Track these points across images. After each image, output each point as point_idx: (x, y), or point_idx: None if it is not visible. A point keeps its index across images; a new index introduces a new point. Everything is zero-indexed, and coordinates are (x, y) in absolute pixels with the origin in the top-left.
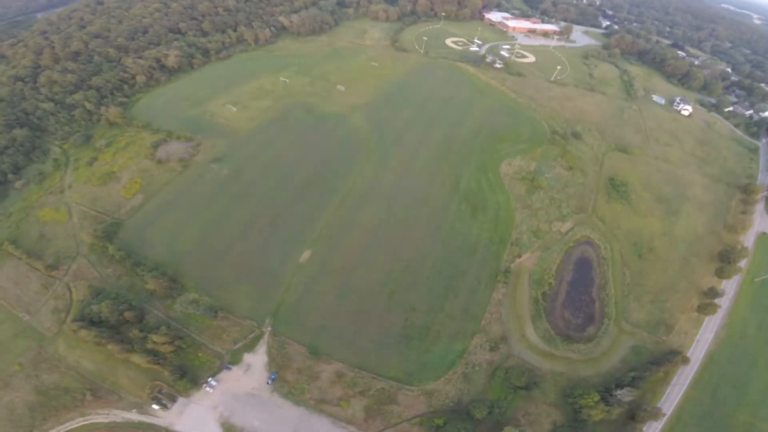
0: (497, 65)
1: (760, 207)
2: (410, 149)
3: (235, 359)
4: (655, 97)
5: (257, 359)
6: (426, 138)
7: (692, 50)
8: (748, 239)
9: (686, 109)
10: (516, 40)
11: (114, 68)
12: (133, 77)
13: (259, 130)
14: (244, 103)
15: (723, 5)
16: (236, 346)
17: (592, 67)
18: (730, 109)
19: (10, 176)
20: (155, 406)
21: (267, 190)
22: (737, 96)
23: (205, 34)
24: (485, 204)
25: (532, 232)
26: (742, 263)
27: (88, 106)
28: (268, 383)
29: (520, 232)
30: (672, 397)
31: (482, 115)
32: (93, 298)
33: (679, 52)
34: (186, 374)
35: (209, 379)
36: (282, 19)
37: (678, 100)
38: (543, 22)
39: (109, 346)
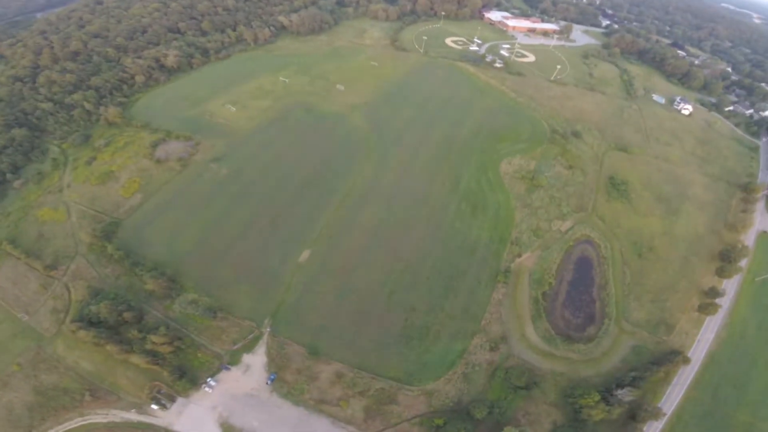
0: (497, 65)
1: (760, 206)
2: (410, 149)
3: (234, 360)
4: (655, 97)
5: (256, 359)
6: (426, 137)
7: (692, 49)
8: (749, 238)
9: (686, 109)
10: (516, 39)
11: (113, 68)
12: (132, 77)
13: (259, 129)
14: (244, 103)
15: (723, 4)
16: (235, 347)
17: (592, 67)
18: (731, 108)
19: (8, 176)
20: (154, 407)
21: (266, 190)
22: (737, 95)
23: (204, 33)
24: (485, 203)
25: (532, 230)
26: (743, 262)
27: (87, 106)
28: (267, 383)
29: (520, 231)
30: (673, 397)
31: (482, 114)
32: (92, 298)
33: (679, 51)
34: (185, 375)
35: (208, 379)
36: (281, 18)
37: (678, 99)
38: (543, 21)
39: (108, 347)
